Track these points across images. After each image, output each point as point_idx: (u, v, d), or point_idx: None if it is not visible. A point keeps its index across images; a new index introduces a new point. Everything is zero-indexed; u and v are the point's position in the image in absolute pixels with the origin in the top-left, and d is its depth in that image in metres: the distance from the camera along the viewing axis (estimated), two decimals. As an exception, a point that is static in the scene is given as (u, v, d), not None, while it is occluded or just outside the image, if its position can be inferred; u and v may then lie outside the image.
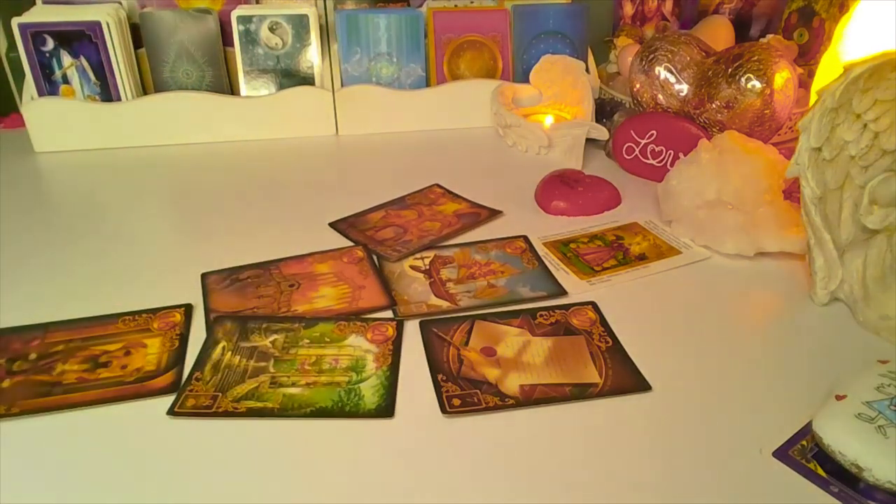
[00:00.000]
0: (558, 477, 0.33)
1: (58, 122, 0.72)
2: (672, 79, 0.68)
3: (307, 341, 0.42)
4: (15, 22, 0.69)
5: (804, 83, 0.72)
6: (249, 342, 0.41)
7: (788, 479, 0.33)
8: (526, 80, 0.80)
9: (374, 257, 0.51)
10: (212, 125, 0.74)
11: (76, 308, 0.45)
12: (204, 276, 0.49)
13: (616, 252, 0.53)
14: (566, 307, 0.45)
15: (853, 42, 0.60)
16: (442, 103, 0.78)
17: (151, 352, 0.41)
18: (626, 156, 0.67)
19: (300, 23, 0.75)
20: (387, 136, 0.77)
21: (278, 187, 0.64)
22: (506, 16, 0.80)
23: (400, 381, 0.38)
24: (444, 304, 0.46)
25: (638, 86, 0.70)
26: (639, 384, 0.38)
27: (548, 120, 0.74)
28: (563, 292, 0.47)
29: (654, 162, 0.66)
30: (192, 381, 0.38)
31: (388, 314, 0.45)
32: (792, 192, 0.54)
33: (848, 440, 0.32)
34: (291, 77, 0.76)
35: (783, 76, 0.62)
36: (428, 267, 0.50)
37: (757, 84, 0.62)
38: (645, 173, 0.66)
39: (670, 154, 0.65)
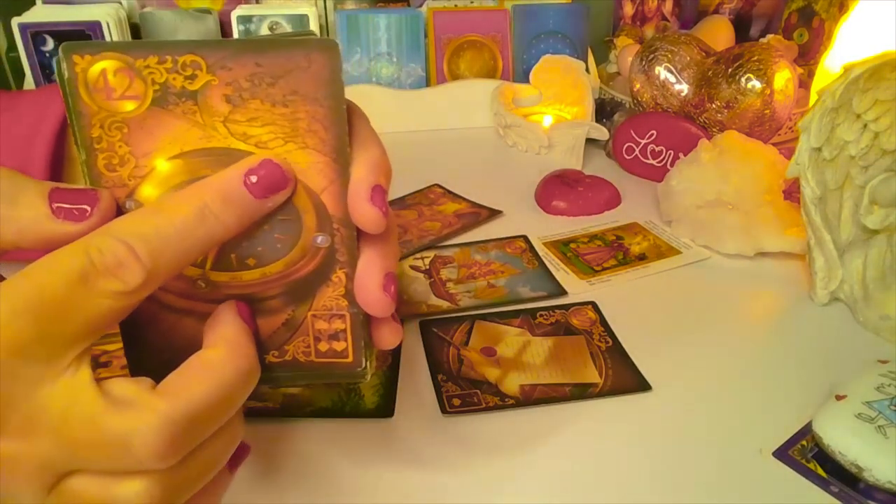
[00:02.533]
0: (558, 476, 0.33)
1: (58, 122, 0.71)
2: (672, 79, 0.68)
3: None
4: (15, 22, 0.69)
5: (804, 83, 0.72)
6: (249, 342, 0.41)
7: (788, 479, 0.33)
8: (526, 80, 0.80)
9: (374, 257, 0.51)
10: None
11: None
12: (204, 276, 0.49)
13: (616, 252, 0.53)
14: (566, 307, 0.45)
15: (852, 42, 0.60)
16: (442, 103, 0.78)
17: (151, 352, 0.41)
18: (626, 156, 0.67)
19: (300, 23, 0.75)
20: (386, 136, 0.76)
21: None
22: (506, 16, 0.80)
23: (400, 381, 0.38)
24: (444, 304, 0.46)
25: (638, 86, 0.70)
26: (639, 384, 0.39)
27: (547, 120, 0.74)
28: (563, 292, 0.47)
29: (654, 162, 0.66)
30: (192, 381, 0.38)
31: (388, 314, 0.45)
32: (792, 192, 0.54)
33: (848, 440, 0.32)
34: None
35: (783, 76, 0.62)
36: (428, 267, 0.50)
37: (757, 84, 0.62)
38: (645, 173, 0.66)
39: (670, 154, 0.65)
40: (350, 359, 0.25)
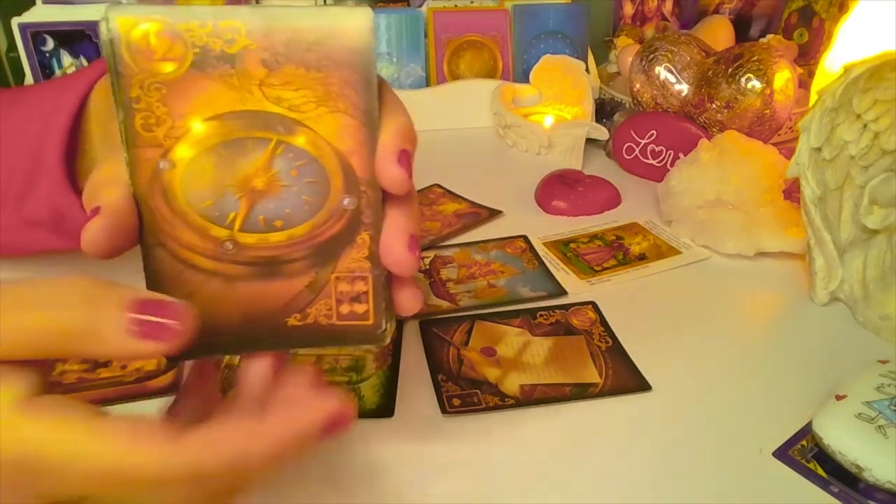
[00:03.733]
0: (558, 476, 0.33)
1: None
2: (672, 79, 0.68)
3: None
4: (15, 22, 0.69)
5: (804, 83, 0.72)
6: (249, 342, 0.41)
7: (788, 479, 0.33)
8: (526, 80, 0.80)
9: (374, 257, 0.51)
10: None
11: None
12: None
13: (616, 252, 0.53)
14: (566, 307, 0.45)
15: (852, 42, 0.60)
16: (442, 103, 0.78)
17: (151, 352, 0.41)
18: (626, 156, 0.67)
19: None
20: (387, 136, 0.77)
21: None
22: (506, 16, 0.80)
23: (400, 381, 0.38)
24: (444, 304, 0.46)
25: (638, 86, 0.70)
26: (639, 384, 0.38)
27: (548, 120, 0.74)
28: (563, 292, 0.47)
29: (654, 162, 0.66)
30: (192, 381, 0.38)
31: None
32: (792, 192, 0.54)
33: (848, 440, 0.32)
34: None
35: (783, 76, 0.62)
36: (428, 267, 0.50)
37: (757, 84, 0.62)
38: (645, 173, 0.66)
39: (670, 154, 0.65)
40: (371, 321, 0.26)
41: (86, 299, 0.21)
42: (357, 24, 0.23)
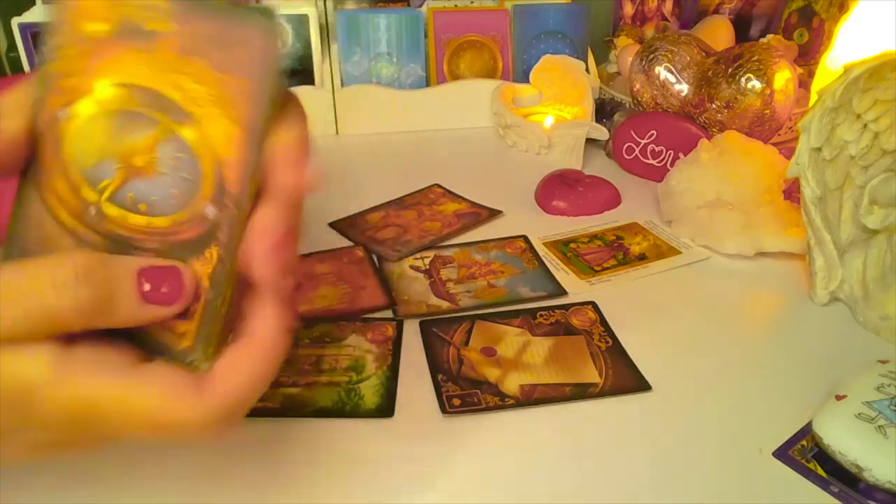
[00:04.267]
0: (558, 477, 0.33)
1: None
2: (672, 79, 0.68)
3: (307, 341, 0.42)
4: (15, 22, 0.69)
5: (804, 83, 0.72)
6: (249, 342, 0.41)
7: (788, 479, 0.33)
8: (526, 80, 0.80)
9: (374, 257, 0.51)
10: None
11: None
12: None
13: (616, 252, 0.53)
14: (566, 307, 0.45)
15: (852, 42, 0.60)
16: (442, 103, 0.78)
17: (151, 352, 0.41)
18: (626, 156, 0.67)
19: (300, 23, 0.75)
20: (387, 136, 0.77)
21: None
22: (506, 16, 0.80)
23: (400, 381, 0.38)
24: (444, 304, 0.46)
25: (638, 86, 0.70)
26: (639, 384, 0.38)
27: (548, 120, 0.74)
28: (563, 292, 0.47)
29: (654, 162, 0.66)
30: (192, 381, 0.38)
31: (388, 314, 0.45)
32: (792, 192, 0.54)
33: (848, 440, 0.32)
34: (291, 77, 0.76)
35: (783, 76, 0.62)
36: (428, 267, 0.50)
37: (757, 84, 0.62)
38: (645, 173, 0.66)
39: (670, 154, 0.65)
40: (186, 343, 0.24)
41: (88, 277, 0.21)
42: (263, 36, 0.23)
